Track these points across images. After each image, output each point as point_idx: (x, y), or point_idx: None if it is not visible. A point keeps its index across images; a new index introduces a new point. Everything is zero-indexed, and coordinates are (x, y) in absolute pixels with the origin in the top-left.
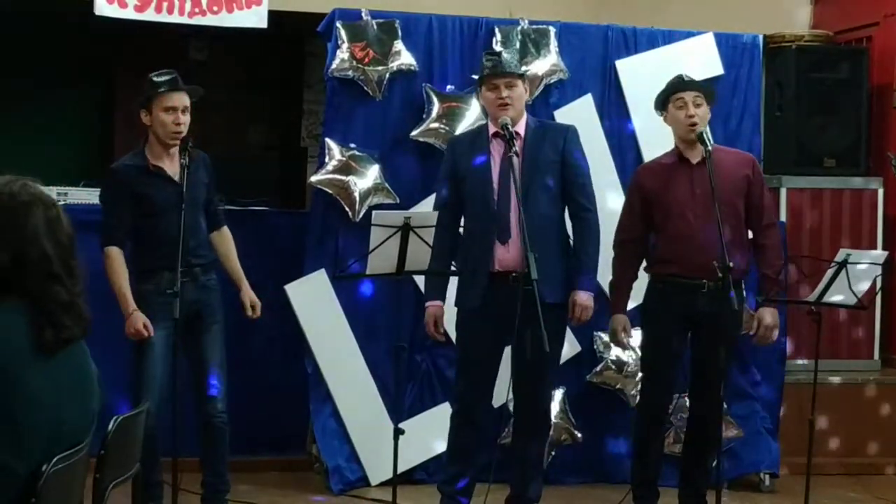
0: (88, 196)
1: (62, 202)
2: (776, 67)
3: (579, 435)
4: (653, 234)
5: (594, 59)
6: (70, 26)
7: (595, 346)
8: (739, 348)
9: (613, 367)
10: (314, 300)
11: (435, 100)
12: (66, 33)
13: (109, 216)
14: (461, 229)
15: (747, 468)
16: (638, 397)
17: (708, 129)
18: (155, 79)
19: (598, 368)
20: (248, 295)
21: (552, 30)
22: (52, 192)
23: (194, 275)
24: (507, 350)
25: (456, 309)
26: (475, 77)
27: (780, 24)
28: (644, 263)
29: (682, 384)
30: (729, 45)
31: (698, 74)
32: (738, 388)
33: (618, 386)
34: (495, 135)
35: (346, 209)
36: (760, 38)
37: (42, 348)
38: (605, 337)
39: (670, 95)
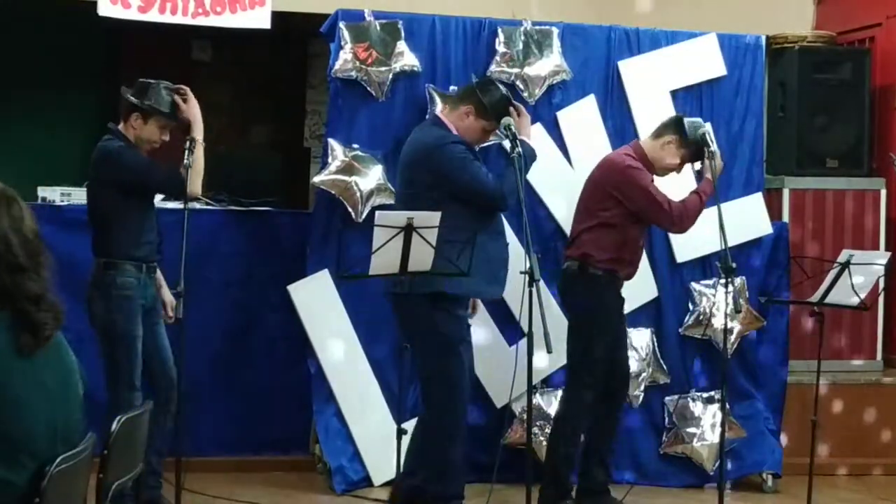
0: None
1: (66, 202)
2: (779, 68)
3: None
4: (606, 230)
5: (597, 59)
6: (74, 27)
7: None
8: (743, 349)
9: None
10: (317, 300)
11: (438, 100)
12: (70, 34)
13: (157, 166)
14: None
15: (750, 468)
16: (641, 398)
17: (710, 129)
18: (165, 96)
19: None
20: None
21: (555, 30)
22: (56, 192)
23: (153, 270)
24: (515, 349)
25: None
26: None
27: (783, 25)
28: (593, 256)
29: (685, 385)
30: (732, 46)
31: (701, 75)
32: (740, 388)
33: None
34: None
35: (349, 210)
36: (763, 38)
37: (21, 351)
38: None
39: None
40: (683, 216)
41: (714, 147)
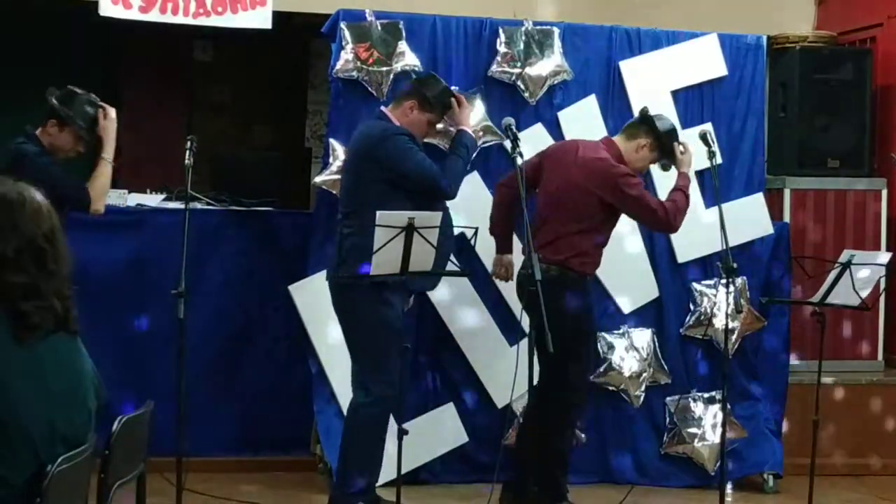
0: None
1: None
2: (780, 68)
3: (583, 436)
4: (590, 234)
5: (598, 59)
6: (75, 27)
7: (598, 347)
8: (744, 349)
9: (616, 368)
10: (318, 300)
11: None
12: (72, 34)
13: (65, 176)
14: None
15: (751, 469)
16: (642, 398)
17: (712, 130)
18: (87, 108)
19: (601, 369)
20: None
21: (556, 30)
22: None
23: None
24: (516, 349)
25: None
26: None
27: (784, 25)
28: (573, 261)
29: (686, 385)
30: (733, 46)
31: (702, 75)
32: (741, 388)
33: (622, 387)
34: None
35: None
36: (764, 38)
37: (15, 342)
38: (609, 338)
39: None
40: (677, 216)
41: (714, 147)
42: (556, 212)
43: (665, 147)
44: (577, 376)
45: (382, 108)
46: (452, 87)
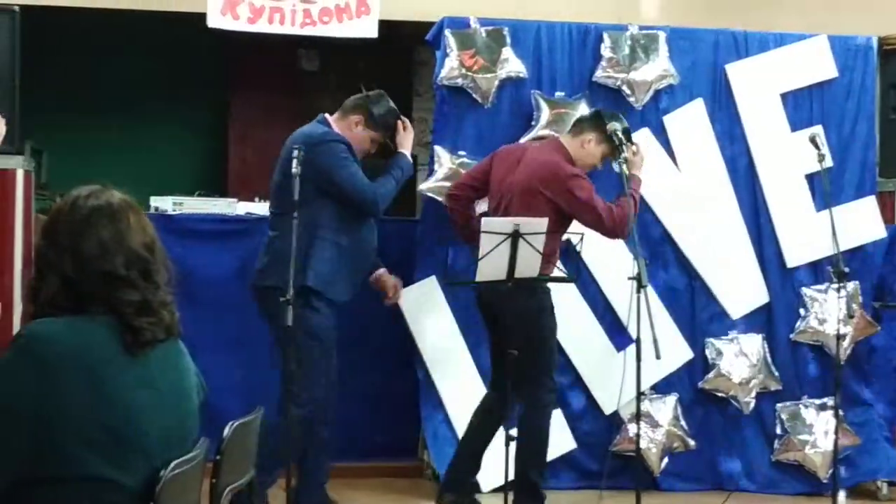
0: (203, 205)
1: (177, 211)
2: (891, 69)
3: (692, 442)
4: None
5: (705, 63)
6: (185, 38)
7: (707, 353)
8: (856, 355)
9: (726, 374)
10: (425, 307)
11: (544, 106)
12: (181, 45)
13: None
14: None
15: (864, 476)
16: (752, 404)
17: (822, 132)
18: None
19: (710, 375)
20: None
21: (662, 35)
22: (168, 201)
23: None
24: (623, 355)
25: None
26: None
27: (895, 26)
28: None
29: (797, 391)
30: (842, 48)
31: (811, 78)
32: (854, 395)
33: (731, 393)
34: None
35: None
36: (875, 39)
37: (128, 353)
38: (718, 344)
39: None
40: (623, 224)
41: (824, 150)
42: (504, 215)
43: (613, 142)
44: (549, 376)
45: (326, 115)
46: (557, 94)
